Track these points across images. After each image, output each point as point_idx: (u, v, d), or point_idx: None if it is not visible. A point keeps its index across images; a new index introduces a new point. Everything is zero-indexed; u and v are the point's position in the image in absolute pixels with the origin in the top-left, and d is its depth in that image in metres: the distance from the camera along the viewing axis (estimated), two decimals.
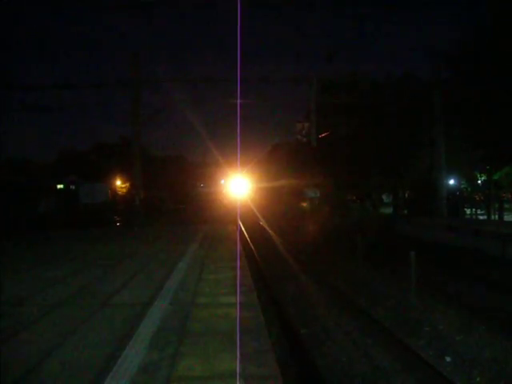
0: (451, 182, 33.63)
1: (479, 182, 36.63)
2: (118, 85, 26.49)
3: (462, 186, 36.84)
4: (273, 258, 18.54)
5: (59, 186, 47.86)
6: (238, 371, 4.37)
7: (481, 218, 32.20)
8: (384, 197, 48.28)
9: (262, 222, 32.96)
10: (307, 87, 27.07)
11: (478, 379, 6.78)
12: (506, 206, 34.28)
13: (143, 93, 26.57)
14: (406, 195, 38.67)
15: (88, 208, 34.96)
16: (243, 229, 26.63)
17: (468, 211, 34.28)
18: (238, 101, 23.67)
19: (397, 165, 30.66)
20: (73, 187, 44.74)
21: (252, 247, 20.50)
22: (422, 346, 8.09)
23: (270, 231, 26.85)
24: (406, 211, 35.96)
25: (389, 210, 40.14)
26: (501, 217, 30.60)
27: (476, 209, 34.80)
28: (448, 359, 7.46)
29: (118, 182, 60.72)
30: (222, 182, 74.01)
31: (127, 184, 56.98)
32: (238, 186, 59.03)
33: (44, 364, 4.75)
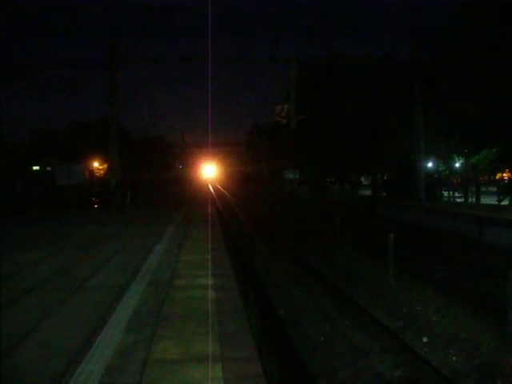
0: (429, 164, 33.88)
1: (457, 165, 37.03)
2: (96, 65, 26.02)
3: (440, 169, 37.17)
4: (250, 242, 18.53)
5: (35, 168, 46.84)
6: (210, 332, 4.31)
7: (458, 200, 32.60)
8: (363, 179, 48.66)
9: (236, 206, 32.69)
10: (287, 68, 26.92)
11: (453, 358, 6.86)
12: (483, 189, 34.72)
13: (120, 74, 26.12)
14: (385, 178, 38.95)
15: (64, 190, 34.25)
16: (221, 210, 26.50)
17: (446, 194, 34.67)
18: (209, 82, 23.39)
19: (376, 147, 30.73)
20: (49, 169, 43.83)
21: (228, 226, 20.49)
22: (400, 326, 8.17)
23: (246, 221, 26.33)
24: (384, 193, 36.19)
25: (367, 192, 40.37)
26: (478, 199, 31.01)
27: (454, 192, 35.21)
28: (425, 339, 7.53)
29: (96, 164, 59.73)
30: (202, 164, 73.63)
31: (105, 166, 56.13)
32: (214, 169, 58.81)
33: (19, 348, 4.63)
